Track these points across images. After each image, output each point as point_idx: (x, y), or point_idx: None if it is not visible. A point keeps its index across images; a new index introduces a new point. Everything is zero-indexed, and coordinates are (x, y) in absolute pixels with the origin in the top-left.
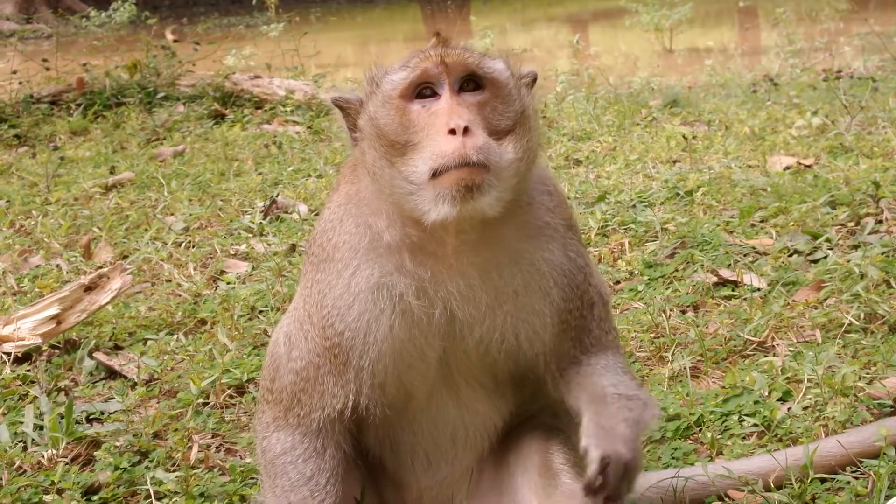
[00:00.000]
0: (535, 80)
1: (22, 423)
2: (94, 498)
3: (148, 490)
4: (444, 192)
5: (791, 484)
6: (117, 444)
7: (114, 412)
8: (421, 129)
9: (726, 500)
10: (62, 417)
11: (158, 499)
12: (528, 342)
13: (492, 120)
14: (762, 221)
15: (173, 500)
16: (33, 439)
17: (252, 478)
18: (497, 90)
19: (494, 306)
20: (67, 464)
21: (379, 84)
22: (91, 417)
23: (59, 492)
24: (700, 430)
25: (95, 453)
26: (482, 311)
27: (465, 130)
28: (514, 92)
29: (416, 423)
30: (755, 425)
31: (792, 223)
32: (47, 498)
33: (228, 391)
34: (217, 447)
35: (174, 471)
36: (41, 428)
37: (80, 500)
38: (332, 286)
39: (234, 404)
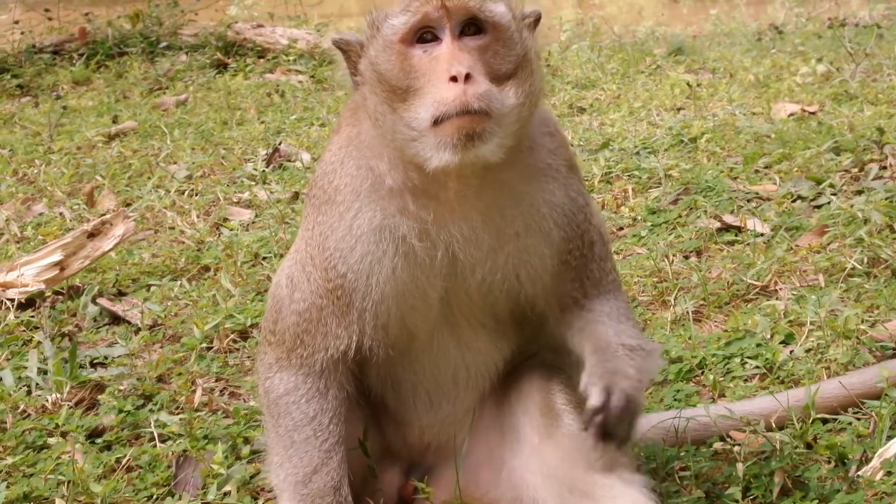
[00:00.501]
0: (538, 20)
1: (26, 367)
2: (98, 440)
3: (152, 433)
4: (445, 139)
5: (793, 424)
6: (121, 387)
7: (118, 357)
8: (422, 74)
9: (728, 440)
10: (66, 362)
11: (162, 441)
12: (530, 282)
13: (493, 64)
14: (766, 167)
15: (177, 442)
16: (37, 383)
17: (255, 420)
18: (499, 33)
19: (496, 248)
20: (71, 407)
21: (379, 28)
22: (95, 362)
23: (63, 434)
24: (702, 373)
25: (99, 397)
26: (484, 253)
27: (467, 77)
28: (515, 35)
29: (417, 362)
30: (757, 367)
31: (796, 169)
32: (51, 440)
33: (232, 336)
34: (220, 391)
35: (178, 414)
36: (45, 372)
37: (84, 443)
38: (334, 228)
39: (237, 349)
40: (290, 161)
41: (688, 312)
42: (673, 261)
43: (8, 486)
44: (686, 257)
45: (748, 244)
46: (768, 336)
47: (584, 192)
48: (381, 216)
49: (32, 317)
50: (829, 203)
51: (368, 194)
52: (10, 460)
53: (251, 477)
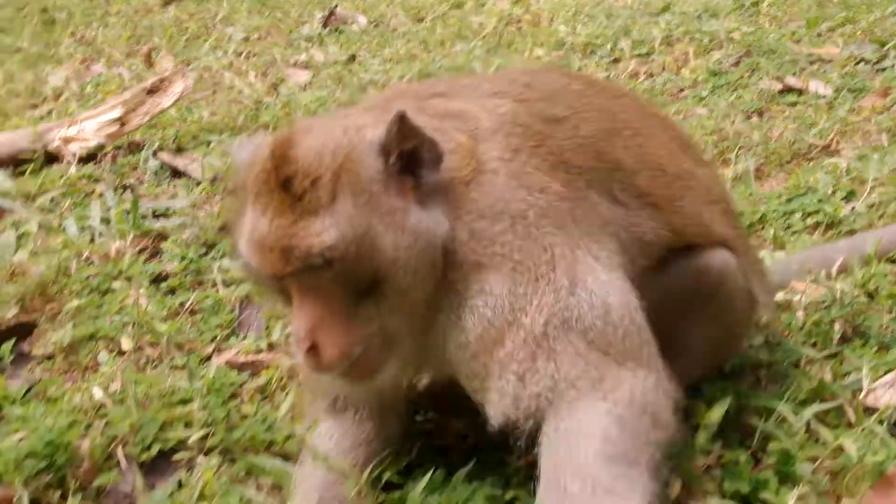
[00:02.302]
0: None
1: (89, 218)
2: (162, 285)
3: (214, 279)
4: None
5: (854, 275)
6: (183, 236)
7: (179, 208)
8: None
9: (788, 291)
10: (127, 213)
11: (225, 286)
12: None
13: (349, 287)
14: (829, 31)
15: (240, 287)
16: (100, 233)
17: None
18: (343, 259)
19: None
20: (134, 255)
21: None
22: (157, 214)
23: (128, 279)
24: (763, 228)
25: (162, 245)
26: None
27: (313, 346)
28: (362, 249)
29: None
30: (818, 223)
31: (859, 32)
32: (116, 285)
33: None
34: None
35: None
36: (107, 222)
37: (148, 287)
38: None
39: None
40: (346, 24)
41: (749, 169)
42: (734, 121)
43: (75, 326)
44: (748, 117)
45: (810, 105)
46: (830, 192)
47: (524, 280)
48: None
49: (94, 170)
50: (892, 66)
51: None
52: (75, 302)
53: None
